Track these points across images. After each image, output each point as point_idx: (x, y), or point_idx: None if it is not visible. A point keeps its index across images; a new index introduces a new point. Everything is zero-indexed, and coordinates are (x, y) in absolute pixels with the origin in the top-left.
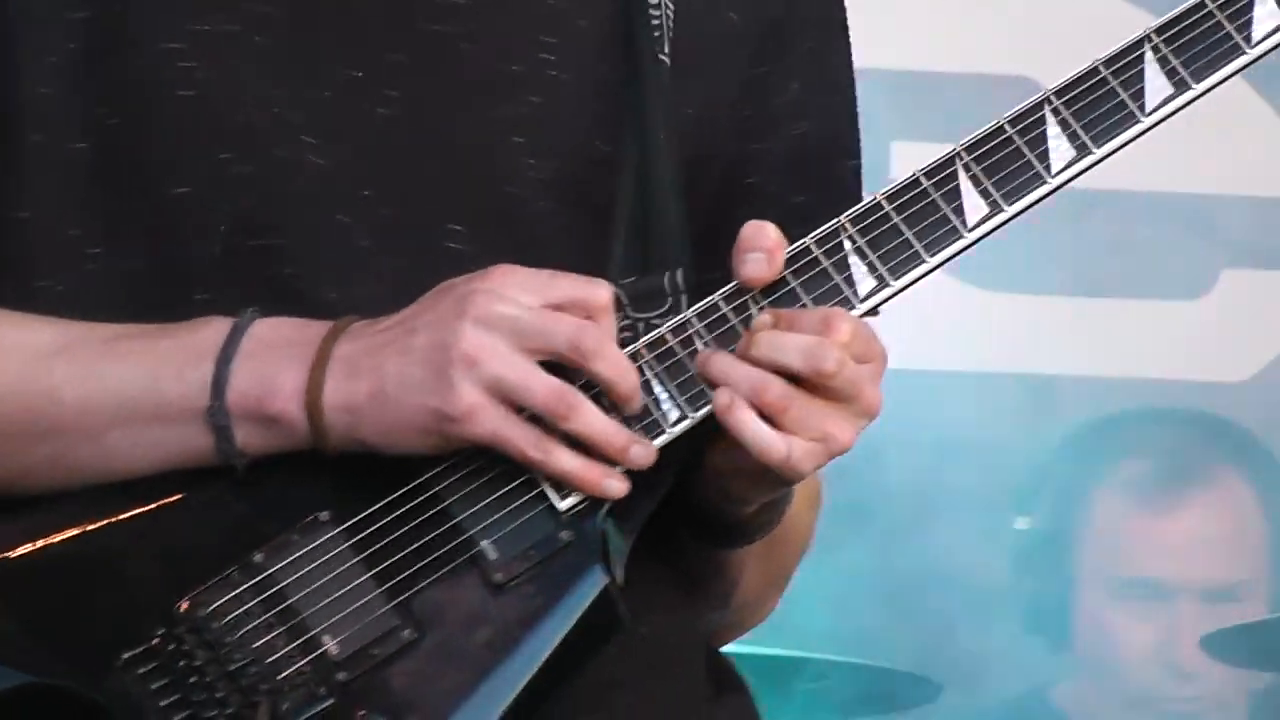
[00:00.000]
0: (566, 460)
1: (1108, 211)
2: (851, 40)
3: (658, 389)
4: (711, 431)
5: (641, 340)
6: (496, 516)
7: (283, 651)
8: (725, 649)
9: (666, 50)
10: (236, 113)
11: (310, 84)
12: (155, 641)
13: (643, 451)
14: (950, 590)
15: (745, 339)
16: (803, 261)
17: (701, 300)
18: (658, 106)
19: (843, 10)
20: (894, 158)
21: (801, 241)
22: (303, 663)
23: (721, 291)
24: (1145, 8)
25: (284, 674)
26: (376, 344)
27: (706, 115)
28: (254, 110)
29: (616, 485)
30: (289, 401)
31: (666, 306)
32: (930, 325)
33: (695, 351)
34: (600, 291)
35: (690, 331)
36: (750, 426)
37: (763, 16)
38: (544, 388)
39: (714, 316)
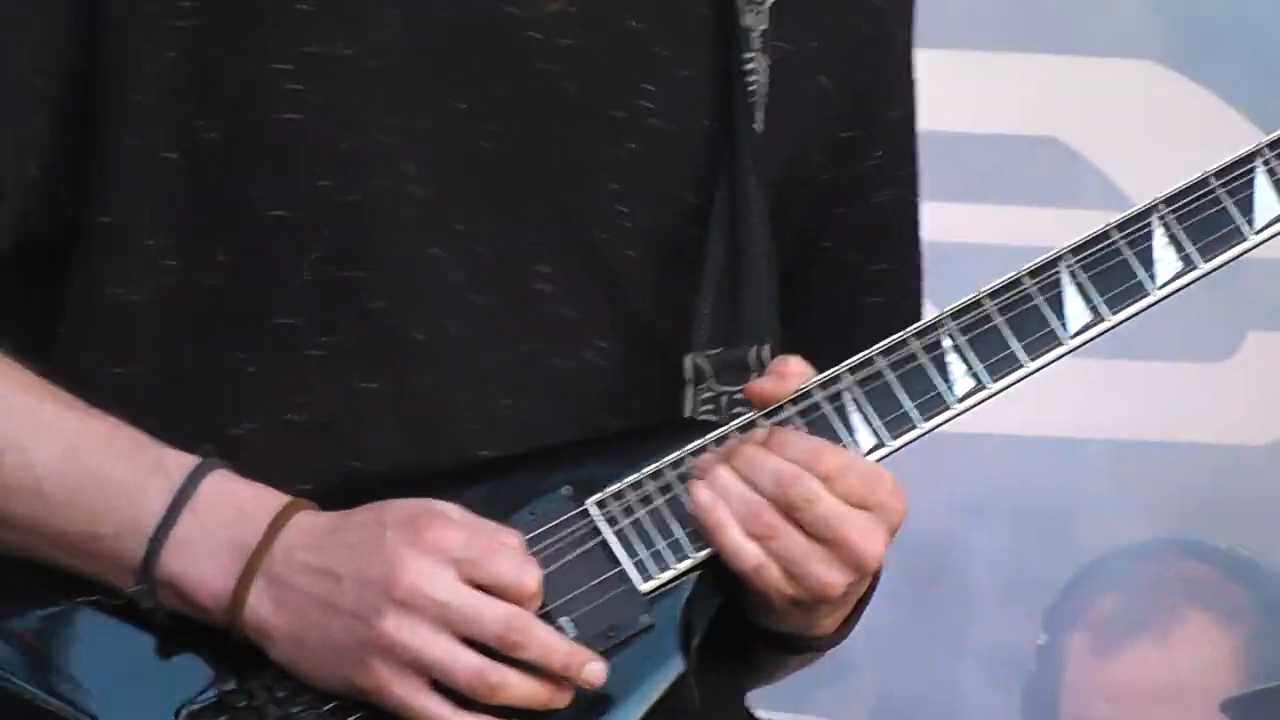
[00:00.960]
0: (506, 696)
1: None
2: None
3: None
4: None
5: (729, 426)
6: (576, 593)
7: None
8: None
9: (762, 116)
10: (340, 140)
11: (415, 114)
12: (214, 699)
13: (598, 669)
14: None
15: (733, 447)
16: (899, 354)
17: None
18: (750, 169)
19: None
20: (923, 218)
21: (899, 335)
22: None
23: (812, 382)
24: (1178, 68)
25: None
26: (302, 579)
27: (791, 176)
28: (358, 138)
29: (594, 675)
30: (208, 599)
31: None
32: None
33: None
34: (529, 581)
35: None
36: (725, 531)
37: (854, 81)
38: (465, 669)
39: (784, 415)
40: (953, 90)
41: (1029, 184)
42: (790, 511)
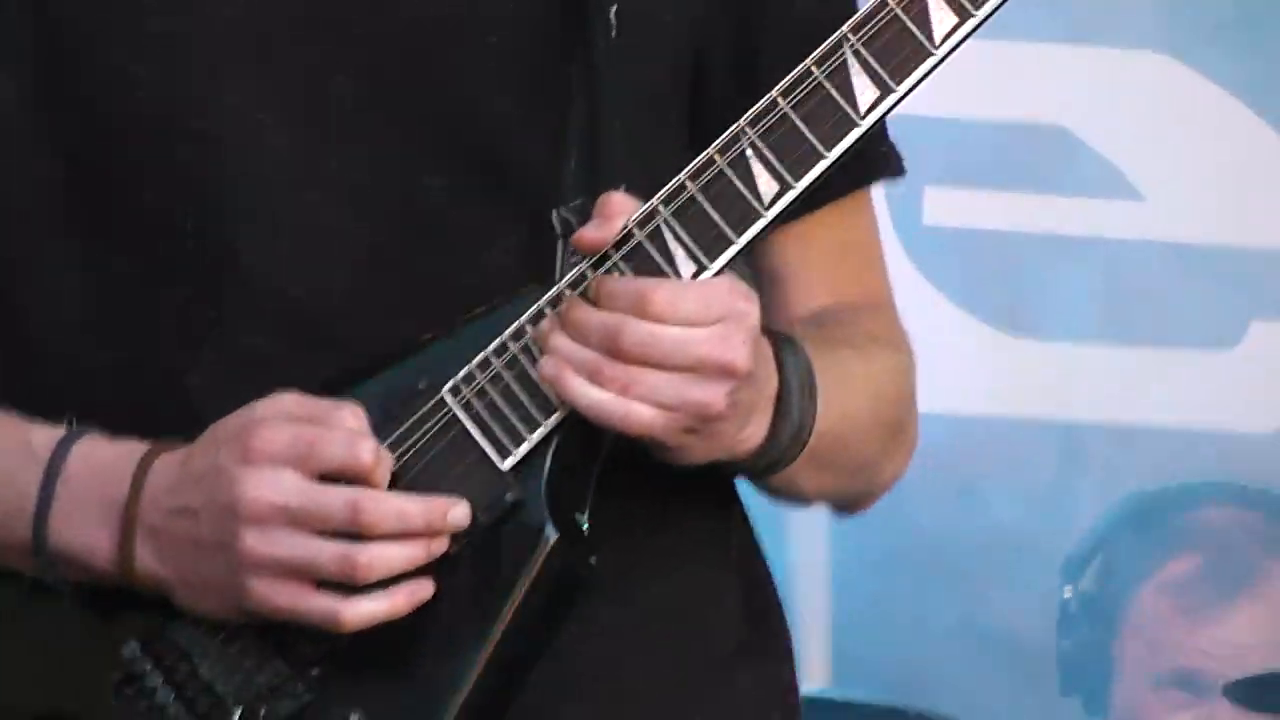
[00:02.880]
0: (368, 608)
1: (1140, 260)
2: None
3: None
4: None
5: (565, 280)
6: (446, 485)
7: (257, 655)
8: None
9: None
10: (189, 112)
11: (262, 63)
12: (135, 663)
13: (460, 511)
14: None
15: (585, 311)
16: (708, 173)
17: (568, 273)
18: (600, 15)
19: None
20: (926, 202)
21: (704, 154)
22: (279, 663)
23: (634, 216)
24: (1186, 61)
25: (260, 679)
26: (171, 524)
27: (708, 10)
28: (206, 102)
29: (458, 517)
30: (102, 563)
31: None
32: (960, 369)
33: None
34: (364, 456)
35: (609, 264)
36: (578, 394)
37: None
38: (329, 559)
39: (628, 246)
40: (959, 77)
41: (1034, 171)
42: (634, 357)
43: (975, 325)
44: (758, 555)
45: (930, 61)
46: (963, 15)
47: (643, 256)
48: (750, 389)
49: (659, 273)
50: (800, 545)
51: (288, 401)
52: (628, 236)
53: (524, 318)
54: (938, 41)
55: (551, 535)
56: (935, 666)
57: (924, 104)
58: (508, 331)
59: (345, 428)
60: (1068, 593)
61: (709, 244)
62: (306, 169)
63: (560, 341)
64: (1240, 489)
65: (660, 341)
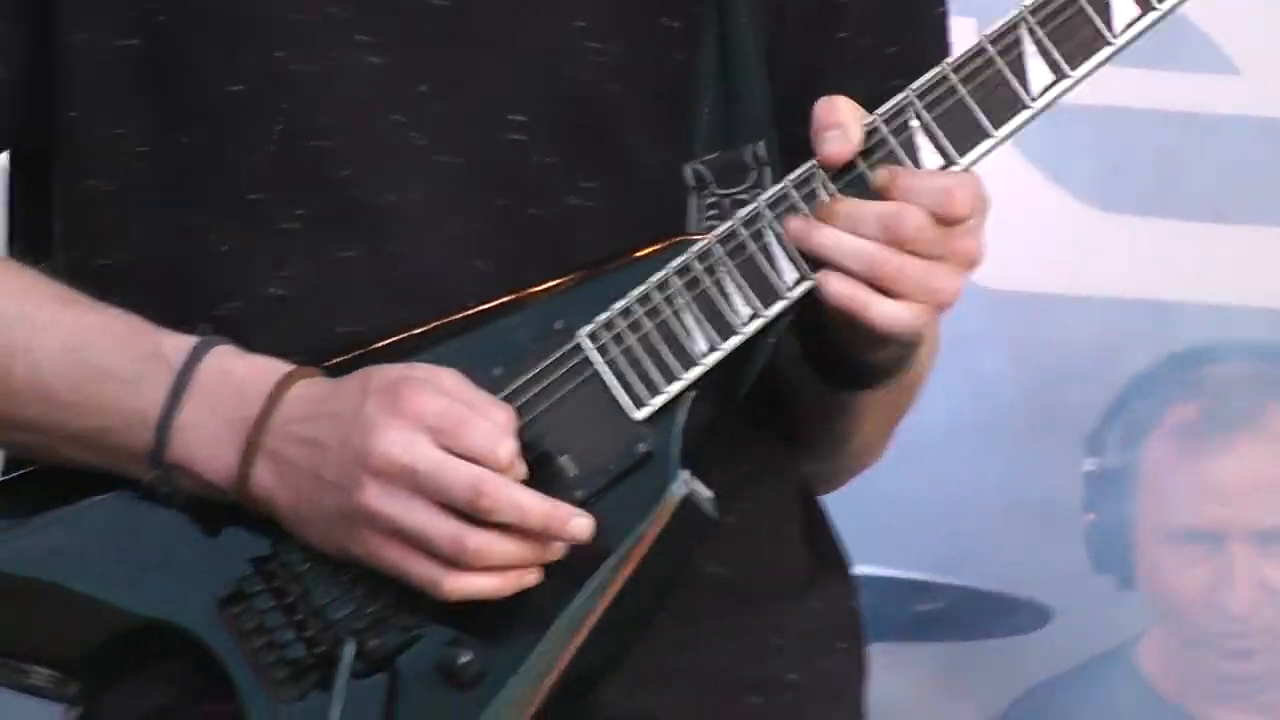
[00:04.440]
0: (475, 583)
1: (1232, 137)
2: None
3: (729, 286)
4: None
5: (713, 234)
6: (575, 429)
7: (369, 584)
8: None
9: None
10: (289, 11)
11: None
12: (248, 580)
13: (583, 524)
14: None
15: (855, 206)
16: (872, 142)
17: (770, 190)
18: None
19: None
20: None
21: (870, 118)
22: (389, 595)
23: (790, 178)
24: None
25: (371, 608)
26: (296, 452)
27: None
28: (307, 8)
29: (579, 530)
30: (219, 478)
31: (751, 181)
32: (1051, 248)
33: (767, 244)
34: (502, 454)
35: (762, 224)
36: (875, 308)
37: None
38: (442, 535)
39: (785, 205)
40: None
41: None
42: (917, 247)
43: (1066, 200)
44: (805, 478)
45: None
46: (1145, 8)
47: (885, 155)
48: None
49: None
50: None
51: (447, 377)
52: (872, 133)
53: (671, 267)
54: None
55: (679, 490)
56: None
57: None
58: (654, 279)
59: (494, 419)
60: (1089, 465)
61: (962, 137)
62: (398, 90)
63: (831, 237)
64: (1252, 343)
65: (936, 237)
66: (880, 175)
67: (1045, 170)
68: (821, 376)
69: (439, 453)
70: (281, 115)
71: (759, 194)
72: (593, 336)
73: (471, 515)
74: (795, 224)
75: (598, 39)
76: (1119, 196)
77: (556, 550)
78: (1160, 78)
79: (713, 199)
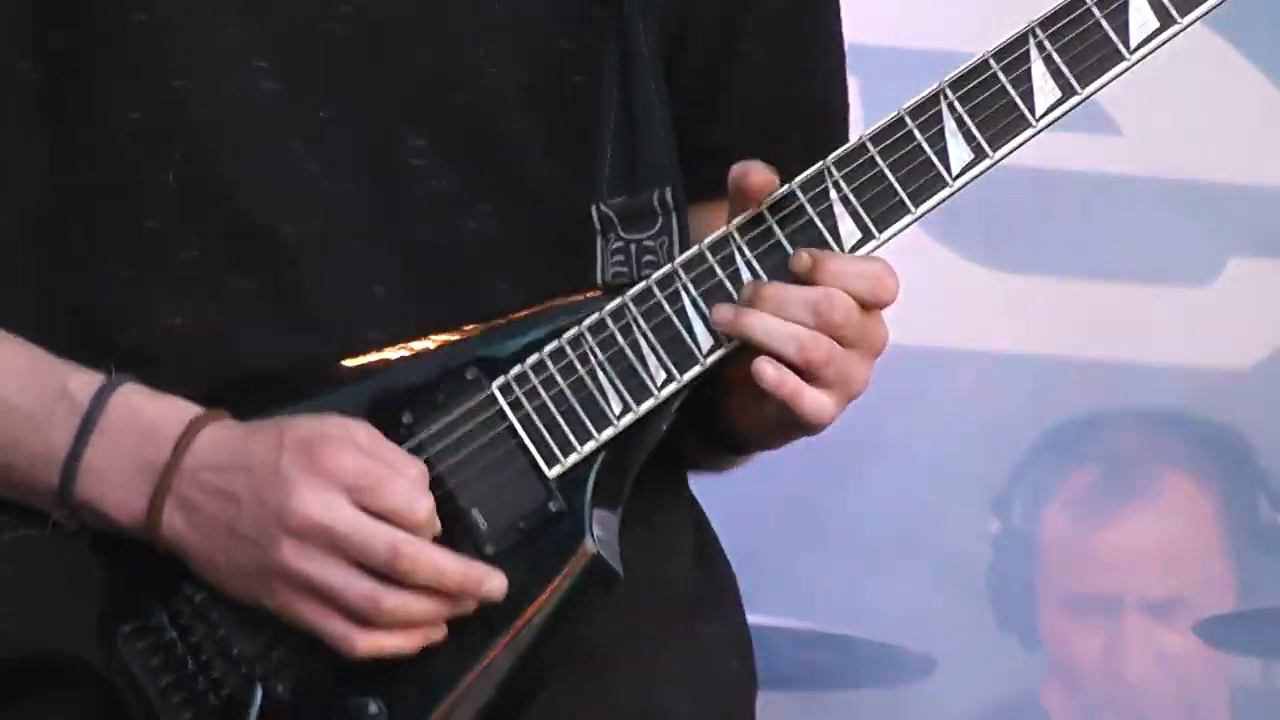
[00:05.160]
0: (383, 642)
1: (1117, 196)
2: None
3: (644, 348)
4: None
5: (628, 293)
6: (486, 483)
7: (278, 626)
8: None
9: None
10: (186, 38)
11: (263, 8)
12: (152, 617)
13: (497, 584)
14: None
15: (782, 290)
16: (789, 209)
17: (687, 252)
18: (637, 8)
19: None
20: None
21: (786, 186)
22: (297, 641)
23: (706, 242)
24: None
25: (277, 653)
26: (207, 502)
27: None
28: (204, 36)
29: (493, 590)
30: (128, 520)
31: (657, 227)
32: (937, 302)
33: (683, 308)
34: (419, 511)
35: (677, 284)
36: (807, 396)
37: None
38: (356, 594)
39: (700, 268)
40: (916, 10)
41: None
42: (833, 332)
43: (951, 258)
44: (696, 500)
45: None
46: (1066, 93)
47: (803, 224)
48: None
49: (820, 241)
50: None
51: (361, 433)
52: (788, 199)
53: (585, 324)
54: (1036, 114)
55: (590, 549)
56: (879, 594)
57: (888, 38)
58: (567, 336)
59: (409, 477)
60: (994, 528)
61: (882, 212)
62: (297, 116)
63: (763, 322)
64: (1148, 414)
65: (862, 323)
66: (803, 259)
67: (932, 231)
68: (705, 443)
69: (356, 513)
70: (179, 144)
71: (665, 242)
72: (504, 390)
73: (387, 575)
74: (723, 311)
75: (496, 64)
76: (1004, 254)
77: (468, 607)
78: (1045, 137)
79: (619, 243)
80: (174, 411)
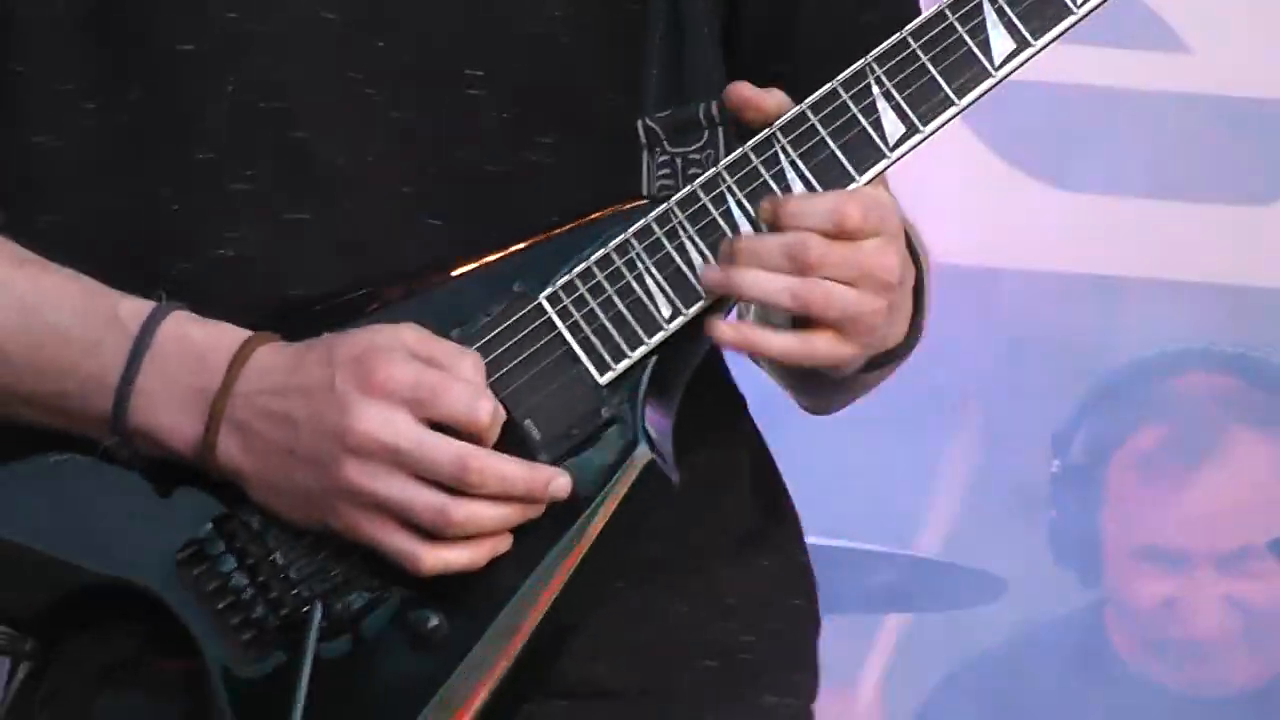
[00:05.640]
0: (451, 556)
1: (1182, 113)
2: None
3: (691, 251)
4: None
5: (674, 198)
6: (537, 393)
7: (333, 547)
8: None
9: None
10: None
11: None
12: (207, 541)
13: (563, 483)
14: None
15: (757, 242)
16: (831, 107)
17: (730, 155)
18: None
19: None
20: None
21: (828, 85)
22: (355, 558)
23: (750, 143)
24: None
25: (336, 571)
26: (263, 425)
27: None
28: None
29: (560, 489)
30: (182, 445)
31: (704, 140)
32: (1001, 222)
33: (728, 209)
34: (481, 416)
35: (721, 187)
36: (774, 342)
37: None
38: (425, 506)
39: (745, 169)
40: None
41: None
42: (822, 272)
43: (1020, 178)
44: (758, 432)
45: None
46: None
47: (846, 120)
48: (899, 293)
49: (864, 138)
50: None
51: (408, 336)
52: (830, 98)
53: (630, 231)
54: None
55: (643, 455)
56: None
57: None
58: (613, 243)
59: (466, 379)
60: (1054, 467)
61: (927, 107)
62: (354, 45)
63: (750, 275)
64: (1218, 354)
65: (844, 257)
66: (764, 209)
67: (998, 149)
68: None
69: (419, 428)
70: (234, 73)
71: (711, 155)
72: (553, 299)
73: (454, 487)
74: (711, 275)
75: None
76: (1068, 172)
77: (535, 512)
78: (1110, 54)
79: (665, 157)
80: (225, 336)
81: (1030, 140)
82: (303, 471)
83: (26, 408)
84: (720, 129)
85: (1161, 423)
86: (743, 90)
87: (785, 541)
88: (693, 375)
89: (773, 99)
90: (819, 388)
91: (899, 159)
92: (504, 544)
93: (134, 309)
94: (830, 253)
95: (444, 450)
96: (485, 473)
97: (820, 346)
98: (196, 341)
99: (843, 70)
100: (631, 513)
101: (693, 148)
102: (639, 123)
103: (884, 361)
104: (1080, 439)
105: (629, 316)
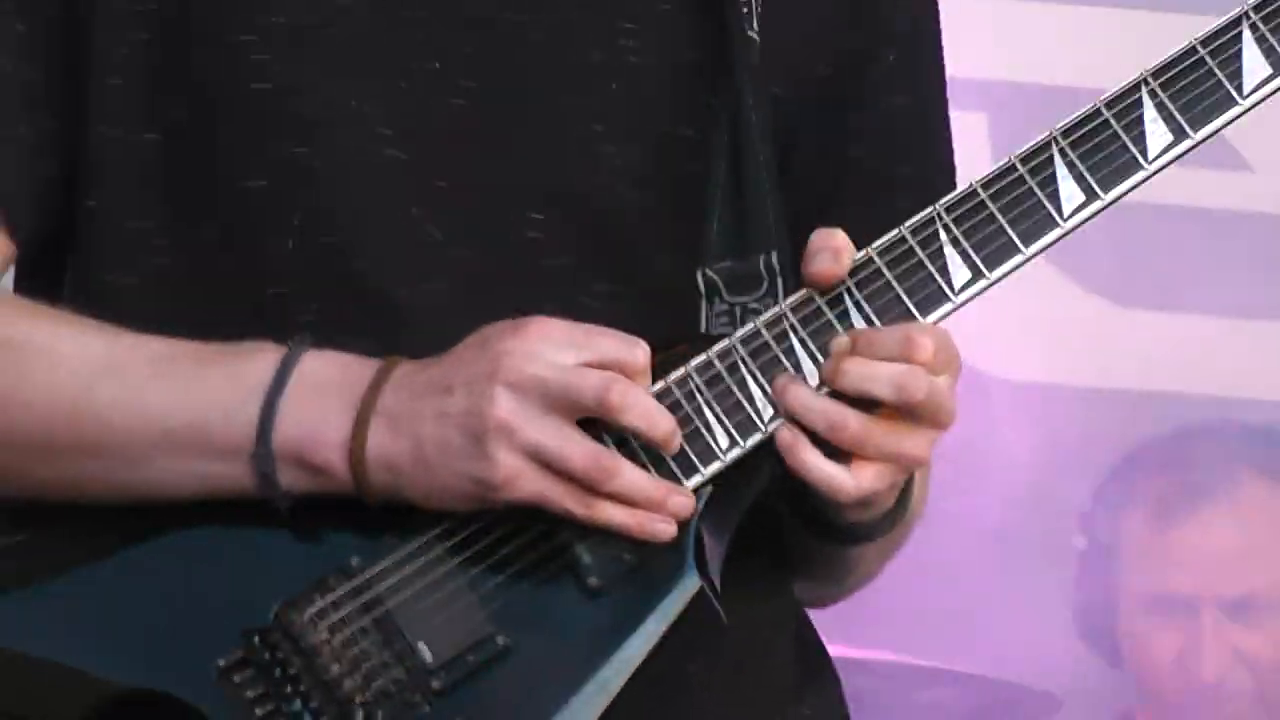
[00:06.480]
0: (611, 512)
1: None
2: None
3: (751, 386)
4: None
5: (737, 334)
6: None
7: (377, 659)
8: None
9: (756, 27)
10: (310, 106)
11: (386, 76)
12: (251, 649)
13: (683, 501)
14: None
15: (831, 366)
16: (898, 253)
17: (764, 314)
18: (748, 86)
19: None
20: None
21: (896, 230)
22: (398, 671)
23: (788, 301)
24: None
25: (378, 682)
26: (416, 403)
27: (799, 93)
28: (328, 103)
29: (664, 528)
30: (333, 452)
31: (763, 290)
32: (1070, 343)
33: (791, 347)
34: (638, 354)
35: (784, 325)
36: (815, 465)
37: None
38: (580, 455)
39: (810, 309)
40: (1029, 45)
41: None
42: (907, 408)
43: (1082, 295)
44: (796, 598)
45: (1141, 174)
46: (1178, 136)
47: (912, 265)
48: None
49: (929, 281)
50: None
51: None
52: (897, 244)
53: (691, 365)
54: (1149, 157)
55: (693, 584)
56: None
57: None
58: (673, 376)
59: (618, 335)
60: (1078, 543)
61: (992, 253)
62: (417, 184)
63: (806, 399)
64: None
65: (932, 391)
66: (840, 342)
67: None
68: (813, 535)
69: (567, 365)
70: (300, 209)
71: (770, 304)
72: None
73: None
74: (779, 382)
75: (613, 143)
76: (1130, 290)
77: (672, 491)
78: (1170, 173)
79: (724, 306)
80: (363, 358)
81: (1089, 254)
82: (455, 425)
83: (156, 453)
84: (779, 279)
85: (1165, 475)
86: (831, 240)
87: (825, 695)
88: (749, 522)
89: (844, 258)
90: (828, 563)
91: (964, 304)
92: (666, 530)
93: (273, 346)
94: (934, 393)
95: (590, 377)
96: (628, 396)
97: (866, 477)
98: (341, 359)
99: (878, 224)
100: (676, 640)
101: (752, 296)
102: (698, 273)
103: (870, 531)
104: (1101, 512)
105: (686, 447)
